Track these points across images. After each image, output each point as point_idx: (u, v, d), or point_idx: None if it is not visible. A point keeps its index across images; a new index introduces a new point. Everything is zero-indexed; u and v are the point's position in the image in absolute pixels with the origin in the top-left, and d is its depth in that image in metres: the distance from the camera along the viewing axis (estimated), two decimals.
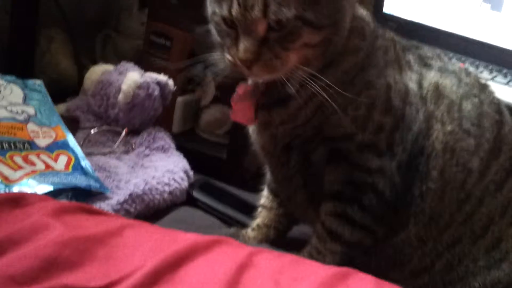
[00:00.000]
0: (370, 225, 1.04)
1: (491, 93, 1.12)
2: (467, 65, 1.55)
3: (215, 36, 0.98)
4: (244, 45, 0.91)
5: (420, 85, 1.05)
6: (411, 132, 1.03)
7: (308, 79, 0.95)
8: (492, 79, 1.50)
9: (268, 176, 1.20)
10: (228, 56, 0.95)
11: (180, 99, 1.61)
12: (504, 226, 1.07)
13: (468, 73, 1.12)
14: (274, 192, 1.20)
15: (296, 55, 0.94)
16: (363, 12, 1.05)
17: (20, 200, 0.96)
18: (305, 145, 1.05)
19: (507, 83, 1.48)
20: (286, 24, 0.91)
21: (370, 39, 1.03)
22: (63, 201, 1.08)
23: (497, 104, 1.11)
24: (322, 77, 0.94)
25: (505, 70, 1.57)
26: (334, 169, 1.04)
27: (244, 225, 1.24)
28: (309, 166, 1.06)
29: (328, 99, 0.94)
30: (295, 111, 1.01)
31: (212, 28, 0.99)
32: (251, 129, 1.11)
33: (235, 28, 0.92)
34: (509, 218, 1.08)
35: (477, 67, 1.56)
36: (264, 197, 1.23)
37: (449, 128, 1.05)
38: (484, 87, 1.12)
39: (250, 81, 1.04)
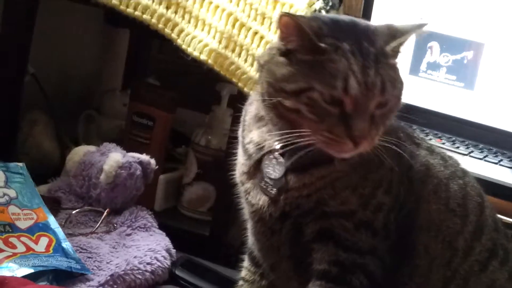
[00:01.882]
0: None
1: (471, 177, 1.15)
2: (443, 140, 1.59)
3: (299, 112, 0.93)
4: (361, 123, 0.91)
5: (409, 165, 1.05)
6: (402, 212, 1.04)
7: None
8: (469, 154, 1.53)
9: (250, 244, 1.18)
10: (325, 133, 0.92)
11: (162, 177, 1.62)
12: None
13: (450, 157, 1.15)
14: (255, 262, 1.19)
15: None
16: None
17: (0, 285, 0.95)
18: (301, 216, 1.03)
19: (483, 158, 1.51)
20: (391, 101, 0.94)
21: None
22: (43, 285, 1.07)
23: (478, 188, 1.13)
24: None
25: (481, 145, 1.60)
26: (322, 248, 1.03)
27: None
28: (300, 237, 1.05)
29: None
30: (314, 180, 1.00)
31: (287, 103, 0.94)
32: (246, 190, 1.07)
33: (339, 106, 0.91)
34: None
35: (453, 142, 1.59)
36: (245, 269, 1.21)
37: (434, 207, 1.06)
38: (465, 171, 1.15)
39: (277, 145, 1.01)
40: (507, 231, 1.18)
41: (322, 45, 0.91)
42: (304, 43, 0.93)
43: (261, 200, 1.04)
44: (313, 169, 1.00)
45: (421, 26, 1.01)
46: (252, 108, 1.07)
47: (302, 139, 0.94)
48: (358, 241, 1.01)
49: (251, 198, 1.06)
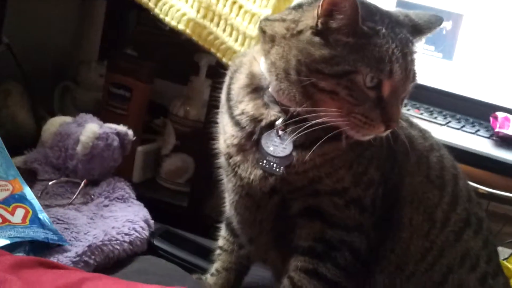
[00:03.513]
0: (341, 282, 1.02)
1: (444, 149, 1.16)
2: (421, 111, 1.59)
3: (335, 94, 0.92)
4: (395, 108, 0.93)
5: (395, 137, 1.03)
6: (388, 186, 1.05)
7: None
8: (446, 124, 1.54)
9: (228, 215, 1.17)
10: (358, 117, 0.92)
11: (140, 149, 1.61)
12: (464, 274, 1.09)
13: (425, 130, 1.16)
14: (233, 232, 1.18)
15: None
16: None
17: None
18: (291, 192, 1.03)
19: (460, 128, 1.52)
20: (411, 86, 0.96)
21: None
22: (20, 256, 1.06)
23: (452, 160, 1.15)
24: None
25: (458, 116, 1.61)
26: (308, 224, 1.03)
27: (206, 271, 1.23)
28: (285, 212, 1.04)
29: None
30: (315, 157, 0.98)
31: (323, 84, 0.92)
32: (235, 162, 1.04)
33: (377, 90, 0.92)
34: (468, 267, 1.10)
35: (431, 113, 1.60)
36: (223, 239, 1.21)
37: (417, 179, 1.07)
38: (439, 143, 1.16)
39: (279, 121, 0.99)
40: (480, 200, 1.20)
41: (365, 28, 0.91)
42: (349, 22, 0.91)
43: (252, 174, 1.02)
44: (316, 146, 0.97)
45: (439, 21, 1.02)
46: (242, 76, 1.04)
47: (326, 121, 0.93)
48: (346, 218, 1.01)
49: (241, 171, 1.03)
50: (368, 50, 0.91)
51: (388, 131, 0.95)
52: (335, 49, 0.91)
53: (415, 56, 0.97)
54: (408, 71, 0.93)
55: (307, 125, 0.94)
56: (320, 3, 0.91)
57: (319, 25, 0.92)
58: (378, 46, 0.91)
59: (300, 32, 0.94)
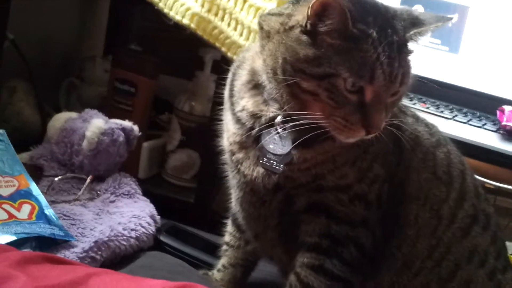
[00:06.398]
0: (348, 278, 1.02)
1: (452, 144, 1.15)
2: (428, 105, 1.59)
3: (317, 95, 0.91)
4: (377, 114, 0.91)
5: (401, 134, 1.02)
6: (394, 182, 1.04)
7: None
8: (453, 118, 1.53)
9: (234, 210, 1.17)
10: (339, 120, 0.91)
11: (146, 145, 1.61)
12: (473, 270, 1.09)
13: (432, 124, 1.15)
14: (239, 228, 1.19)
15: None
16: None
17: None
18: (295, 188, 1.02)
19: (467, 122, 1.51)
20: (403, 90, 0.94)
21: None
22: (27, 251, 1.06)
23: (459, 155, 1.14)
24: None
25: (465, 109, 1.60)
26: (313, 220, 1.03)
27: (212, 266, 1.23)
28: (290, 208, 1.04)
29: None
30: (316, 155, 0.98)
31: (305, 85, 0.91)
32: (237, 160, 1.04)
33: (358, 94, 0.90)
34: (476, 263, 1.09)
35: (437, 107, 1.59)
36: (230, 235, 1.21)
37: (423, 175, 1.07)
38: (446, 138, 1.15)
39: (279, 118, 0.98)
40: (488, 195, 1.19)
41: (356, 31, 0.89)
42: (338, 28, 0.89)
43: (255, 171, 1.02)
44: (316, 144, 0.97)
45: (444, 19, 0.99)
46: (244, 72, 1.04)
47: (313, 121, 0.92)
48: (351, 213, 1.01)
49: (244, 168, 1.03)
50: (352, 54, 0.89)
51: (371, 136, 0.93)
52: (320, 50, 0.90)
53: (406, 57, 0.94)
54: (394, 77, 0.91)
55: (305, 125, 0.94)
56: (311, 4, 0.89)
57: (308, 25, 0.91)
58: (363, 51, 0.89)
59: (291, 28, 0.93)
